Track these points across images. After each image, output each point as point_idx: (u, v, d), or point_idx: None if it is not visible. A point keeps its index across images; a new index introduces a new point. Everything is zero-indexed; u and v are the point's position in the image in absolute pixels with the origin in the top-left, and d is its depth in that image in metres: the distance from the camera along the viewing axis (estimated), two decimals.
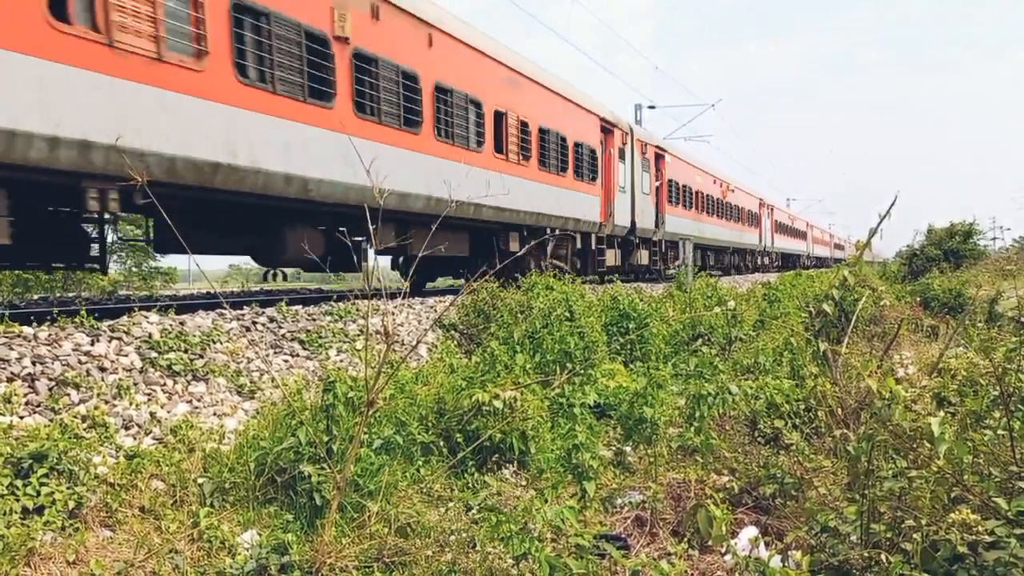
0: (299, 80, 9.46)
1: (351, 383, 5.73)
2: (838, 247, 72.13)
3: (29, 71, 6.46)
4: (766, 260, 38.24)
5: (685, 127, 45.63)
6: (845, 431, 4.81)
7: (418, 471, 5.89)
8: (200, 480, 5.35)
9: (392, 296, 5.94)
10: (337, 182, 10.07)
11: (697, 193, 28.50)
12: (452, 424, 6.34)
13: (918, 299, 17.94)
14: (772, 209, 40.12)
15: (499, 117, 14.53)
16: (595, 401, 8.24)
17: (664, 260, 24.40)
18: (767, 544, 5.47)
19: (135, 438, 5.78)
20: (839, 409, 5.08)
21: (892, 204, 5.88)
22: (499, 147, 14.55)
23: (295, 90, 9.41)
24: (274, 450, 5.40)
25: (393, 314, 10.43)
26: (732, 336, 11.94)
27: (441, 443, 6.25)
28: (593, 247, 19.39)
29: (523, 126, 15.42)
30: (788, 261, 43.46)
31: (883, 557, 3.32)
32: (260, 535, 4.86)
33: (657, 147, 24.33)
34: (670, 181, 25.02)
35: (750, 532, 5.48)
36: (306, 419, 5.42)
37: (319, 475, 5.18)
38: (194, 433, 5.96)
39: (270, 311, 8.93)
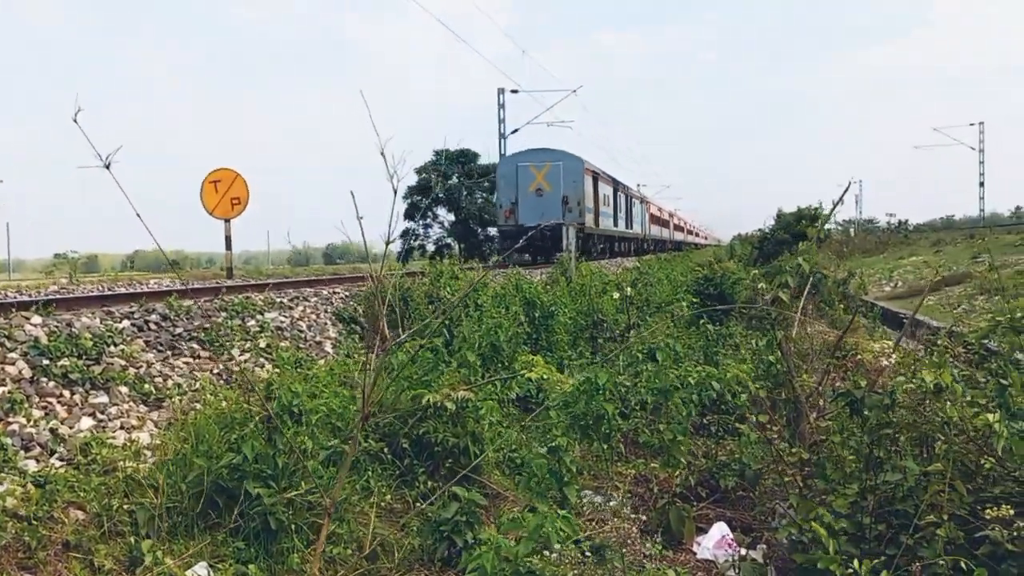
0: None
1: (294, 390, 5.19)
2: (690, 232, 80.00)
3: None
4: (645, 246, 47.79)
5: (548, 112, 47.11)
6: (826, 423, 4.76)
7: (367, 483, 5.43)
8: (131, 508, 4.66)
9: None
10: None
11: (653, 215, 53.37)
12: (396, 428, 5.90)
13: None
14: (648, 204, 51.90)
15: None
16: (518, 394, 7.99)
17: (650, 246, 48.39)
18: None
19: (39, 460, 5.01)
20: (819, 399, 5.03)
21: (845, 191, 5.93)
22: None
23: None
24: (214, 469, 4.80)
25: (290, 307, 9.76)
26: (631, 322, 11.96)
27: (385, 450, 5.80)
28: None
29: (659, 216, 54.50)
30: (657, 245, 52.12)
31: (963, 564, 3.21)
32: (214, 570, 4.29)
33: (648, 200, 52.57)
34: (651, 215, 51.90)
35: (721, 528, 5.38)
36: (249, 432, 4.85)
37: (270, 496, 4.65)
38: (107, 451, 5.23)
39: (160, 307, 8.10)
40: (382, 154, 3.66)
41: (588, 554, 4.57)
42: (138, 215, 3.30)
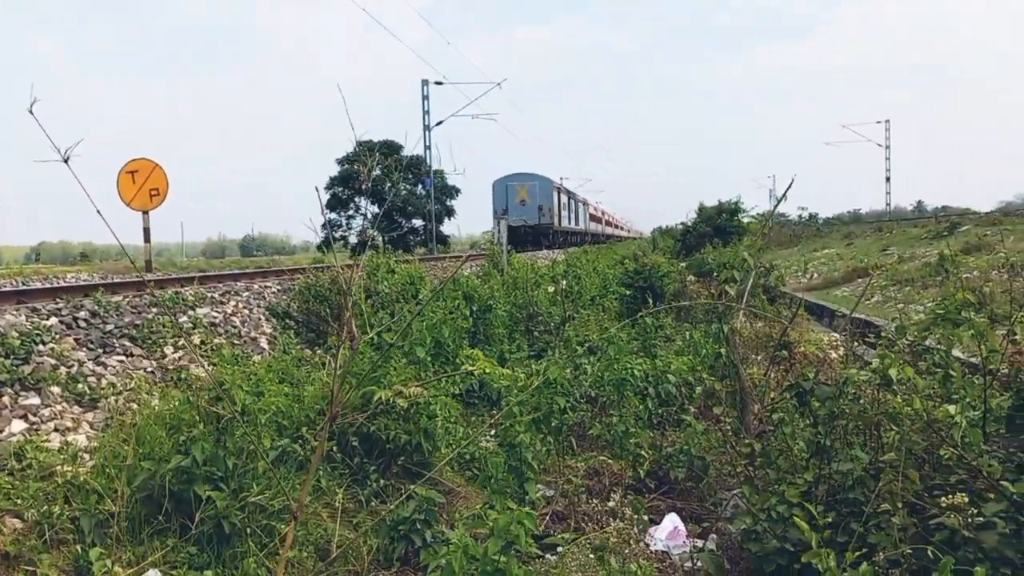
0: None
1: (247, 387, 5.05)
2: (617, 227, 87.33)
3: None
4: (587, 239, 55.80)
5: (472, 105, 49.41)
6: (779, 415, 4.87)
7: (319, 483, 5.33)
8: (74, 514, 4.46)
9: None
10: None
11: (591, 214, 61.94)
12: (345, 426, 5.79)
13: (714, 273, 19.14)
14: (588, 206, 62.37)
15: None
16: (461, 388, 7.95)
17: (588, 239, 55.43)
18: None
19: None
20: (768, 391, 5.14)
21: (788, 187, 6.07)
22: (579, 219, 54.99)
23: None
24: (160, 472, 4.63)
25: (222, 302, 9.49)
26: (565, 315, 12.03)
27: (335, 448, 5.70)
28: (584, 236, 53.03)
29: (595, 215, 65.03)
30: (593, 238, 60.74)
31: (930, 552, 3.32)
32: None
33: (588, 203, 60.45)
34: (590, 214, 60.39)
35: (673, 519, 5.46)
36: (199, 434, 4.69)
37: (222, 499, 4.52)
38: (43, 455, 4.99)
39: (88, 304, 7.78)
40: (357, 145, 3.57)
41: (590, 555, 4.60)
42: (99, 212, 3.14)
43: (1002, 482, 3.48)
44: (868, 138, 62.79)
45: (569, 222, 48.99)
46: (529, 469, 4.95)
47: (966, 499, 3.50)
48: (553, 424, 5.84)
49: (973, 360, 5.58)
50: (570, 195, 50.85)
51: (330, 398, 3.45)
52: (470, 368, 6.52)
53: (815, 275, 30.89)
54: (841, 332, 7.30)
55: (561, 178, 61.48)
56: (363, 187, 44.75)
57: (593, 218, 64.74)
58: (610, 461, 6.03)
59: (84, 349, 6.85)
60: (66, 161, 2.83)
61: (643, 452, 5.99)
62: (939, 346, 4.94)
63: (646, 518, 5.49)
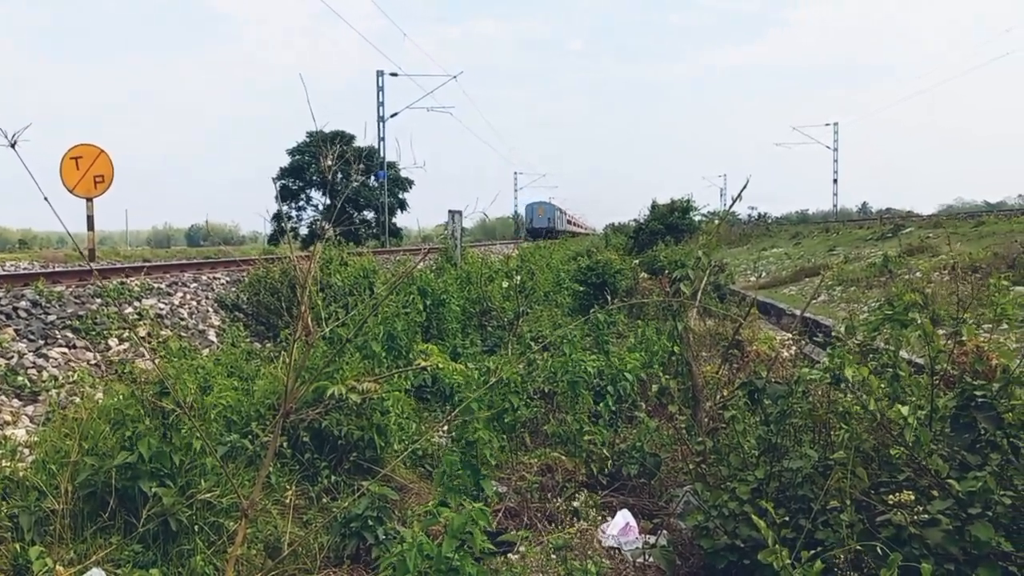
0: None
1: (195, 381, 4.94)
2: (578, 227, 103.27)
3: None
4: (563, 236, 71.44)
5: (428, 97, 49.65)
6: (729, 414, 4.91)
7: (268, 479, 5.24)
8: (12, 511, 4.32)
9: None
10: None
11: (567, 220, 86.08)
12: (296, 422, 5.70)
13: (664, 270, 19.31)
14: (565, 213, 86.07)
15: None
16: (413, 383, 7.90)
17: (567, 235, 75.42)
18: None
19: None
20: (723, 388, 5.18)
21: (744, 187, 6.14)
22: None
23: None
24: (104, 468, 4.50)
25: (169, 293, 9.28)
26: (519, 310, 12.02)
27: (285, 444, 5.61)
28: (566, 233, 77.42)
29: (569, 220, 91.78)
30: (565, 235, 78.35)
31: (878, 548, 3.37)
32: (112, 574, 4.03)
33: (564, 209, 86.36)
34: (567, 220, 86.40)
35: (625, 515, 5.48)
36: (144, 429, 4.57)
37: (169, 496, 4.41)
38: None
39: (29, 293, 7.55)
40: (308, 136, 3.50)
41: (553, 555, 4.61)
42: (46, 199, 3.03)
43: (948, 480, 3.55)
44: (817, 140, 64.00)
45: (560, 226, 77.34)
46: (485, 466, 4.94)
47: (912, 497, 3.58)
48: (507, 421, 5.83)
49: (919, 360, 5.71)
50: (561, 211, 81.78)
51: (283, 393, 3.38)
52: (424, 363, 6.49)
53: (764, 274, 31.38)
54: (792, 331, 7.43)
55: (516, 173, 62.98)
56: (325, 179, 44.07)
57: (568, 222, 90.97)
58: (563, 458, 6.05)
59: (24, 340, 6.66)
60: (13, 146, 2.73)
61: (596, 449, 6.02)
62: (887, 346, 5.03)
63: (601, 516, 5.52)
